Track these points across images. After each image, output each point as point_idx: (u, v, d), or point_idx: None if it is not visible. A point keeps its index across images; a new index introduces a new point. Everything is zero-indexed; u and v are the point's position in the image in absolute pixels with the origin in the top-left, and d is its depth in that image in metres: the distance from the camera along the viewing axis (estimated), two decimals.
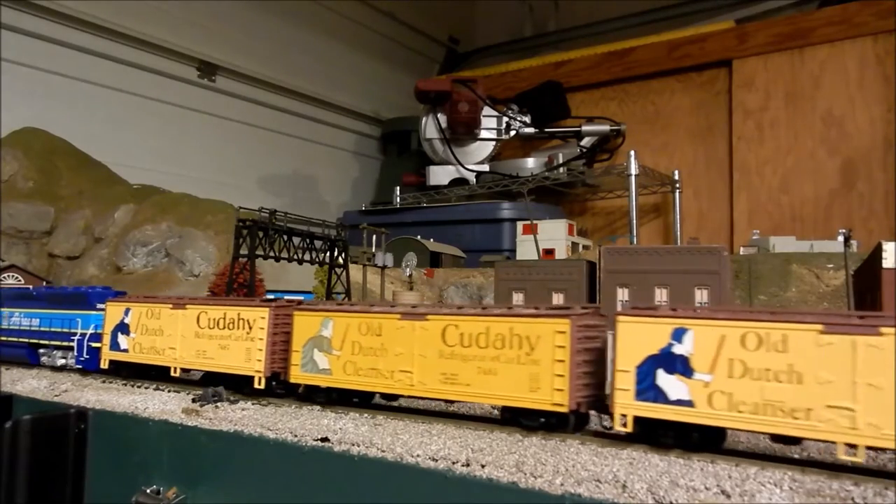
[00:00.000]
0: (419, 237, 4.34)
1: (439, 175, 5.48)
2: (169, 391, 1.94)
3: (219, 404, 1.72)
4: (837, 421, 1.06)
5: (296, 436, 1.42)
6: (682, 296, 2.16)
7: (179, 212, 3.74)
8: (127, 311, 2.09)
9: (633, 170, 4.69)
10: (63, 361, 2.31)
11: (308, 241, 2.51)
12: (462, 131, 5.30)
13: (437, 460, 1.23)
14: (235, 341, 1.81)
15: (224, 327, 1.84)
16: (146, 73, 5.19)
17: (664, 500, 1.01)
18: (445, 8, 8.03)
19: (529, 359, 1.33)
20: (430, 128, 5.39)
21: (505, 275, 2.60)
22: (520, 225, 4.56)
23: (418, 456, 1.26)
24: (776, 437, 1.18)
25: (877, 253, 1.92)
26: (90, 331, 2.23)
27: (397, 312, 1.52)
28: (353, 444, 1.34)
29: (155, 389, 1.98)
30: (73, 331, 2.28)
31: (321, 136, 6.74)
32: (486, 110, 5.33)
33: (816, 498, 1.01)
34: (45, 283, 3.27)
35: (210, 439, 1.52)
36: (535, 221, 4.20)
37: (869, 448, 1.05)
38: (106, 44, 4.90)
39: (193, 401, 1.75)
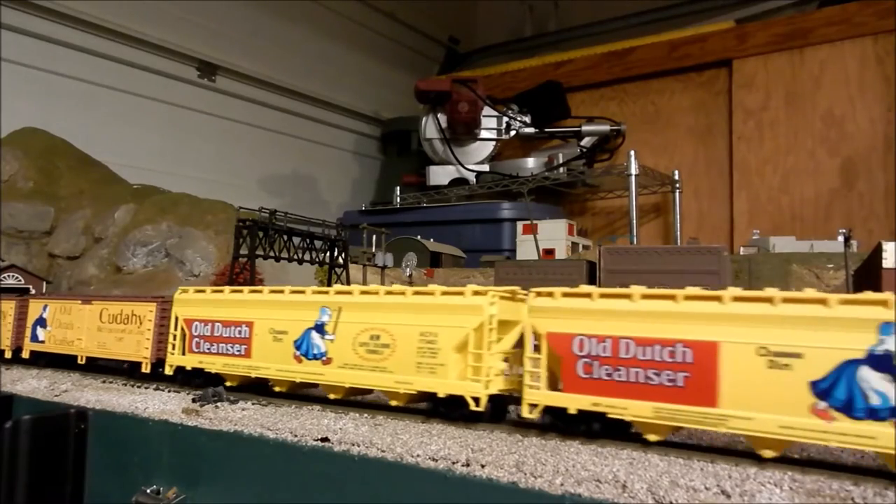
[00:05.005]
0: (419, 237, 4.34)
1: (439, 175, 5.47)
2: (169, 391, 1.94)
3: (219, 404, 1.72)
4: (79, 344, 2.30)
5: (296, 436, 1.42)
6: None
7: (179, 212, 3.74)
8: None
9: (633, 170, 4.69)
10: None
11: (308, 241, 2.52)
12: (462, 131, 5.30)
13: (437, 460, 1.23)
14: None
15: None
16: (146, 73, 5.18)
17: (664, 500, 1.01)
18: (445, 8, 8.03)
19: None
20: (430, 128, 5.39)
21: (505, 275, 2.60)
22: (520, 225, 4.56)
23: (418, 456, 1.26)
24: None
25: (877, 253, 1.92)
26: None
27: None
28: (353, 444, 1.34)
29: (155, 389, 1.98)
30: None
31: (321, 136, 6.73)
32: (486, 110, 5.33)
33: (816, 498, 1.01)
34: (45, 283, 3.27)
35: (210, 439, 1.52)
36: (535, 221, 4.20)
37: (132, 361, 2.15)
38: (106, 44, 4.90)
39: (193, 401, 1.75)
